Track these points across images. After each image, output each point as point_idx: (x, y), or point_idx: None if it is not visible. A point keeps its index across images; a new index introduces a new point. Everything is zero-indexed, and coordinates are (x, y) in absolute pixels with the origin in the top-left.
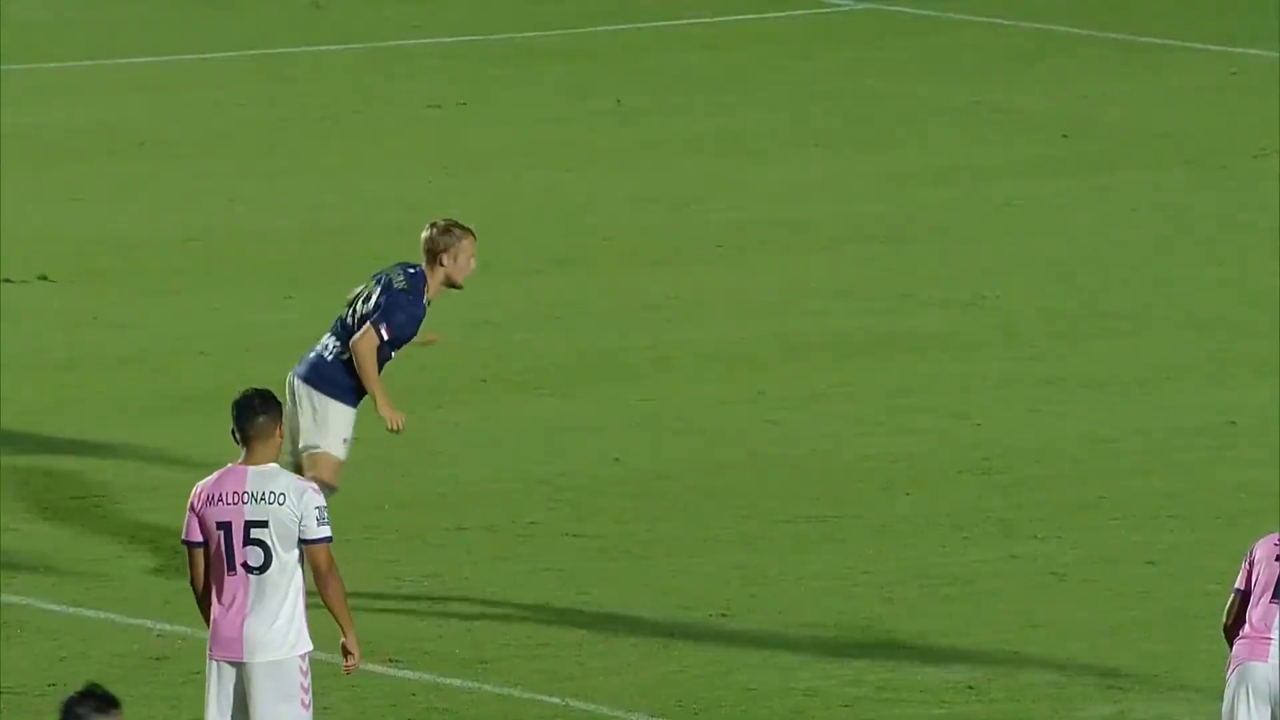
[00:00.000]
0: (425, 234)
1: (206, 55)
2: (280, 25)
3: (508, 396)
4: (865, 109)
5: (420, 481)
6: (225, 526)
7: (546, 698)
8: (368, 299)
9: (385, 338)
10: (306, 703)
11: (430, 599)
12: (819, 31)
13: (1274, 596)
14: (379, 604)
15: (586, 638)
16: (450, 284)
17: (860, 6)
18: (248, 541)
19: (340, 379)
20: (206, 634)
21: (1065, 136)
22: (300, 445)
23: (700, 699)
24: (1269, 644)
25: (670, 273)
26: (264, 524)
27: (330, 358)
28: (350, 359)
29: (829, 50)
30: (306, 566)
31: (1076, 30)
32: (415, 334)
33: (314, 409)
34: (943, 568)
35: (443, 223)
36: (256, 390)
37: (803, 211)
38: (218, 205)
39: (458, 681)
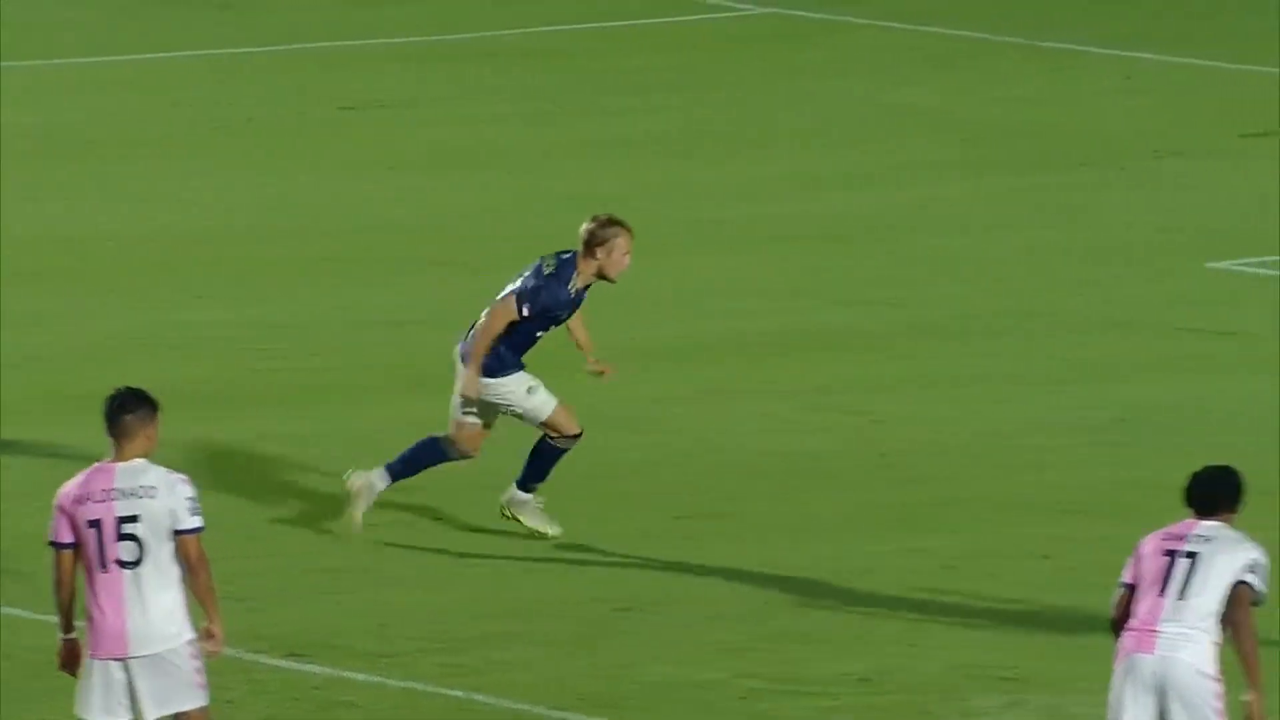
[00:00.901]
0: (585, 225)
1: (129, 57)
2: (199, 28)
3: (430, 394)
4: (776, 111)
5: (333, 476)
6: (96, 524)
7: (449, 691)
8: (519, 277)
9: (524, 314)
10: (201, 683)
11: (338, 593)
12: (728, 35)
13: (1161, 591)
14: (284, 598)
15: (492, 633)
16: (602, 276)
17: (763, 11)
18: (120, 537)
19: (489, 354)
20: None
21: (966, 140)
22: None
23: (602, 693)
24: (1155, 636)
25: None
26: (135, 519)
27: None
28: (500, 336)
29: (738, 53)
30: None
31: (978, 35)
32: (561, 315)
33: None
34: (840, 561)
35: (603, 217)
36: (127, 389)
37: (718, 211)
38: (136, 206)
39: (361, 675)
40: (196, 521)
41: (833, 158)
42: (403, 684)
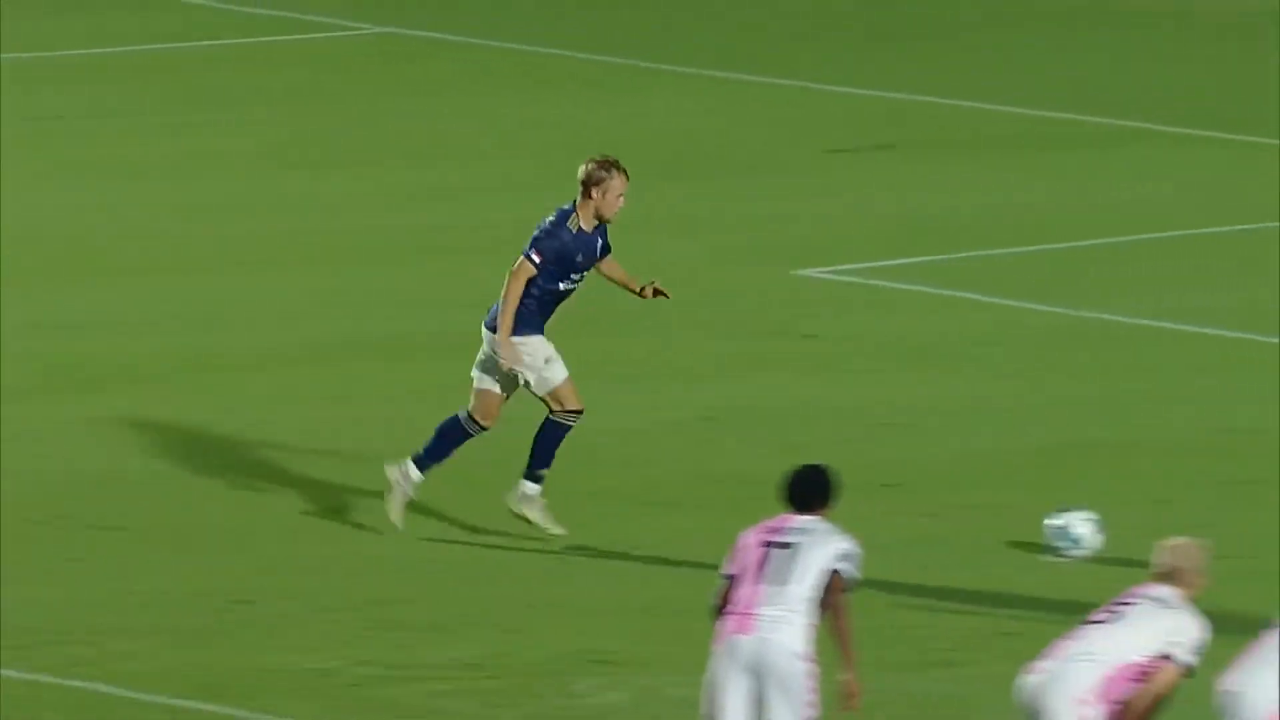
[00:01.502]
0: (583, 167)
1: None
2: None
3: (40, 396)
4: (390, 126)
5: None
6: None
7: (70, 682)
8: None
9: (536, 260)
10: None
11: None
12: (346, 52)
13: (760, 579)
14: None
15: (113, 625)
16: (599, 217)
17: (377, 30)
18: None
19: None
20: None
21: (573, 154)
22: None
23: (219, 682)
24: (754, 620)
25: (207, 280)
26: None
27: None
28: (526, 300)
29: (355, 69)
30: None
31: (580, 55)
32: (576, 261)
33: (492, 349)
34: (452, 554)
35: (600, 158)
36: None
37: (328, 223)
38: None
39: None
40: None
41: (442, 171)
42: (23, 676)
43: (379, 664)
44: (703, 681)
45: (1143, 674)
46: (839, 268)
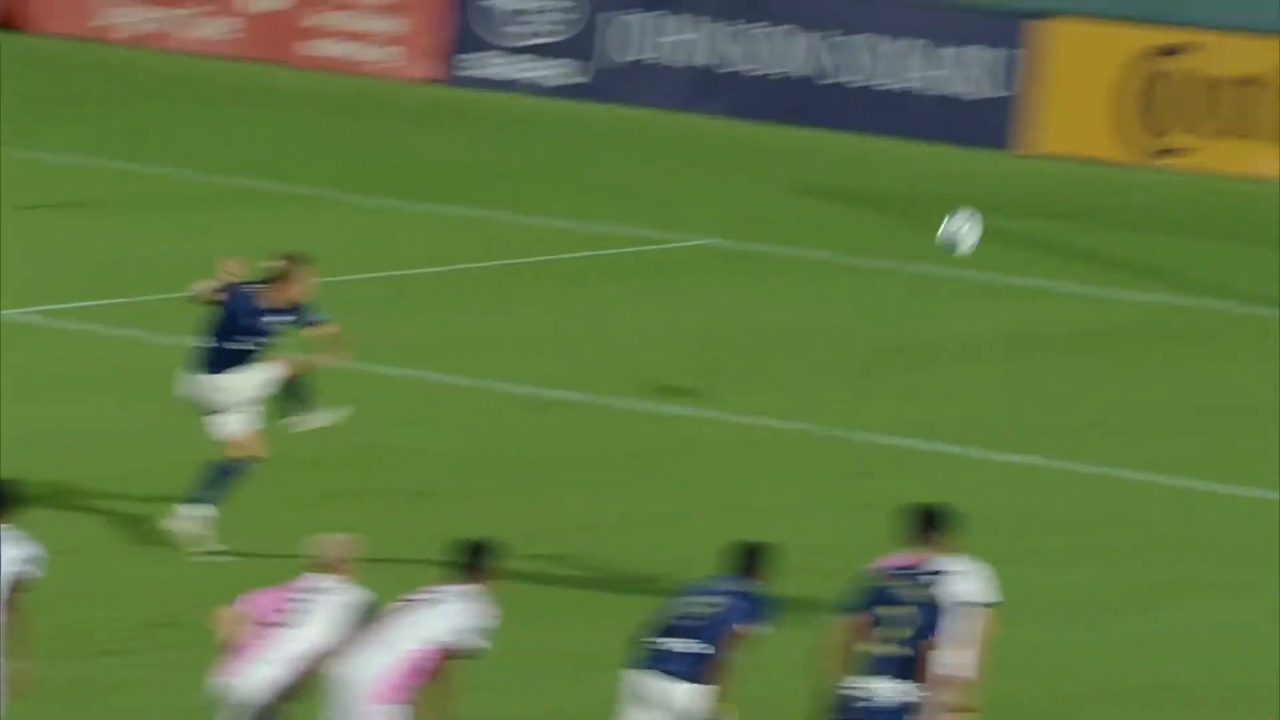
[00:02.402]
0: (276, 262)
1: None
2: None
3: None
4: None
5: None
6: None
7: None
8: None
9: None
10: None
11: None
12: None
13: None
14: None
15: None
16: (289, 300)
17: None
18: None
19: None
20: None
21: None
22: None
23: None
24: None
25: None
26: None
27: None
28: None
29: None
30: None
31: None
32: (236, 319)
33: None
34: None
35: (288, 254)
36: None
37: None
38: None
39: None
40: None
41: None
42: None
43: None
44: None
45: (321, 660)
46: (25, 310)
